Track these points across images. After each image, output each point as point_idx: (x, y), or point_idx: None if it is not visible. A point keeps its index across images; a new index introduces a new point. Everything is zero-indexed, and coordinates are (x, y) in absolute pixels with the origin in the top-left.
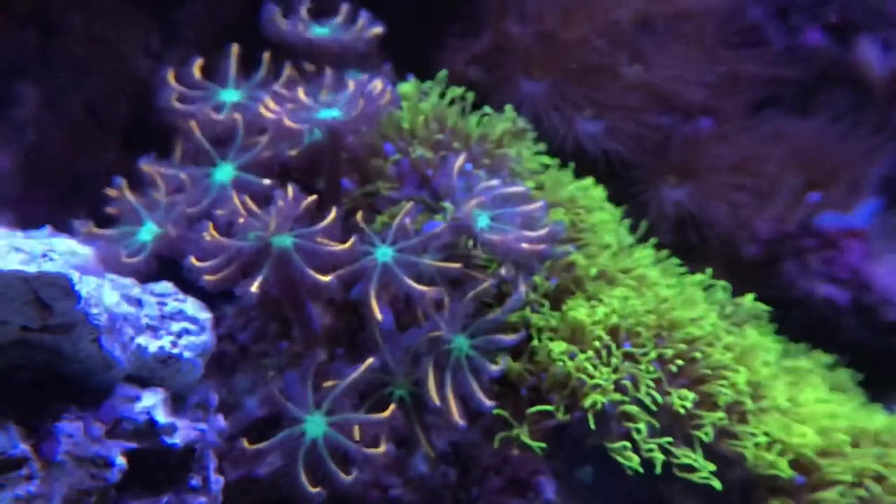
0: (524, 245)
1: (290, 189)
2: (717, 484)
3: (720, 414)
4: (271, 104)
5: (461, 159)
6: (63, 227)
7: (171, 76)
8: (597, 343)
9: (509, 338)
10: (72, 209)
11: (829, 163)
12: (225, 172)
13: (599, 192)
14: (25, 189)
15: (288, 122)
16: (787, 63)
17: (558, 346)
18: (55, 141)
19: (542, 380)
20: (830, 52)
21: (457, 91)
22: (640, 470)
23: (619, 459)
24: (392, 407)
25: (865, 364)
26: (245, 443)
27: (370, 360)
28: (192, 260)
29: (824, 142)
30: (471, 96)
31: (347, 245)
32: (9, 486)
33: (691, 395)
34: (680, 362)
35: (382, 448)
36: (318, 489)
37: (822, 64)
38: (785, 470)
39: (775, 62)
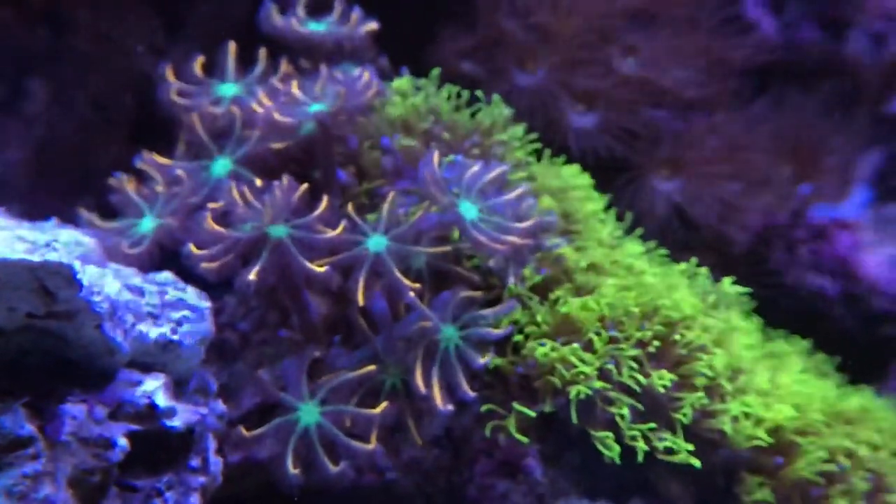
0: (515, 240)
1: (286, 180)
2: (696, 462)
3: (699, 394)
4: (264, 99)
5: (438, 155)
6: (71, 219)
7: (169, 71)
8: (590, 335)
9: (497, 332)
10: (80, 201)
11: (820, 155)
12: (222, 165)
13: (587, 181)
14: (35, 181)
15: (279, 116)
16: (780, 56)
17: (541, 351)
18: (64, 135)
19: (530, 367)
20: (823, 45)
21: (452, 88)
22: (618, 461)
23: (601, 448)
24: (384, 404)
25: (853, 352)
26: (242, 430)
27: (371, 368)
28: (192, 247)
29: (816, 134)
30: (465, 94)
31: (338, 230)
32: (16, 464)
33: (668, 375)
34: (657, 343)
35: (373, 444)
36: (296, 471)
37: (815, 57)
38: (764, 438)
39: (768, 55)
